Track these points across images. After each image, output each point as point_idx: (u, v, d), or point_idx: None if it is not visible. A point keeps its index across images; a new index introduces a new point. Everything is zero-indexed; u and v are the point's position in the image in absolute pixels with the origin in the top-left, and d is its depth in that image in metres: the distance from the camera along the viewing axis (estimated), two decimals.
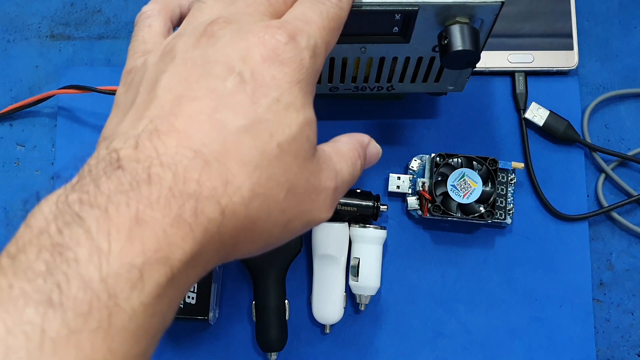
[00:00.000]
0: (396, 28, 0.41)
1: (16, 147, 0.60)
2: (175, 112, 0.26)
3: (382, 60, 0.45)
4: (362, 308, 0.56)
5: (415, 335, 0.57)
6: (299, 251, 0.55)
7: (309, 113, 0.28)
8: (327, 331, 0.56)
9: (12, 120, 0.60)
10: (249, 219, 0.26)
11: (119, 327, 0.21)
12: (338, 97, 0.58)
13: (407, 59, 0.45)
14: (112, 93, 0.56)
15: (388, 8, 0.38)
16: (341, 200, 0.54)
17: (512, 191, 0.56)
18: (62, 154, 0.59)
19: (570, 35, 0.59)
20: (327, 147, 0.32)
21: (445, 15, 0.39)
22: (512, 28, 0.59)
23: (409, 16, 0.39)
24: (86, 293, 0.21)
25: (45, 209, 0.23)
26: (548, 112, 0.58)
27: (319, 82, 0.48)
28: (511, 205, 0.56)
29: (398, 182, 0.57)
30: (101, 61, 0.61)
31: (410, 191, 0.57)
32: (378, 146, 0.35)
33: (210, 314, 0.53)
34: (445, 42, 0.39)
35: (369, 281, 0.54)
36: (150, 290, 0.22)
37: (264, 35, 0.28)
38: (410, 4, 0.38)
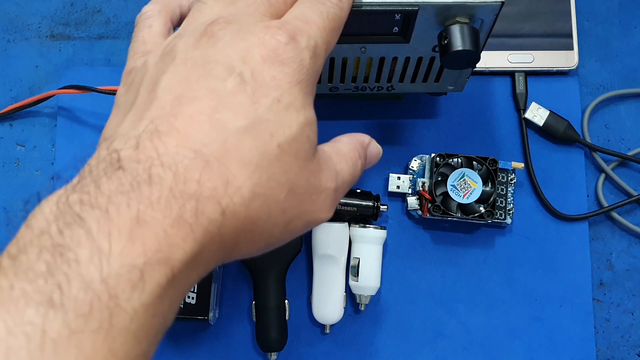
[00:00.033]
0: (396, 28, 0.41)
1: (16, 147, 0.60)
2: (176, 113, 0.26)
3: (382, 60, 0.45)
4: (362, 308, 0.56)
5: (415, 335, 0.57)
6: (299, 251, 0.55)
7: (310, 113, 0.28)
8: (327, 331, 0.56)
9: (12, 120, 0.60)
10: (249, 219, 0.26)
11: (120, 327, 0.21)
12: (338, 97, 0.58)
13: (407, 59, 0.46)
14: (112, 93, 0.56)
15: (388, 8, 0.38)
16: (341, 200, 0.54)
17: (512, 191, 0.56)
18: (62, 154, 0.59)
19: (570, 35, 0.59)
20: (327, 148, 0.32)
21: (445, 15, 0.39)
22: (512, 28, 0.59)
23: (409, 16, 0.39)
24: (87, 294, 0.21)
25: (46, 210, 0.23)
26: (548, 112, 0.58)
27: (319, 82, 0.48)
28: (511, 205, 0.56)
29: (398, 182, 0.57)
30: (101, 61, 0.61)
31: (410, 191, 0.57)
32: (378, 146, 0.35)
33: (210, 314, 0.53)
34: (445, 42, 0.39)
35: (369, 281, 0.54)
36: (151, 291, 0.22)
37: (264, 36, 0.28)
38: (410, 4, 0.38)
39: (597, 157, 0.58)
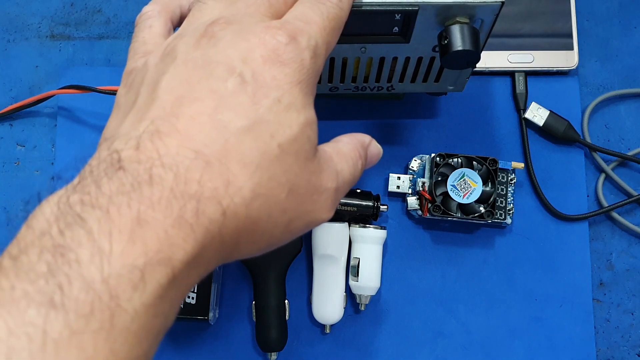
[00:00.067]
0: (396, 28, 0.41)
1: (16, 147, 0.60)
2: (177, 113, 0.26)
3: (382, 60, 0.45)
4: (362, 308, 0.56)
5: (415, 335, 0.57)
6: (299, 251, 0.55)
7: (310, 113, 0.28)
8: (327, 331, 0.56)
9: (12, 120, 0.60)
10: (250, 219, 0.26)
11: (121, 328, 0.21)
12: (338, 97, 0.58)
13: (407, 59, 0.46)
14: (112, 93, 0.56)
15: (388, 8, 0.38)
16: (341, 200, 0.54)
17: (512, 191, 0.56)
18: (62, 154, 0.59)
19: (570, 35, 0.59)
20: (328, 148, 0.32)
21: (445, 15, 0.39)
22: (512, 28, 0.59)
23: (409, 16, 0.40)
24: (88, 294, 0.21)
25: (47, 210, 0.23)
26: (548, 112, 0.58)
27: (319, 82, 0.48)
28: (511, 205, 0.56)
29: (398, 182, 0.57)
30: (101, 61, 0.61)
31: (410, 191, 0.57)
32: (379, 146, 0.35)
33: (210, 314, 0.53)
34: (445, 42, 0.39)
35: (369, 281, 0.54)
36: (151, 291, 0.22)
37: (264, 36, 0.28)
38: (410, 4, 0.38)
39: (597, 157, 0.58)
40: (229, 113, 0.26)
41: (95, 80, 0.59)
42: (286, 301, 0.55)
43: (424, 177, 0.57)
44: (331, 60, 0.46)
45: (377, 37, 0.42)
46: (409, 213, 0.58)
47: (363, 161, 0.33)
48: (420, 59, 0.45)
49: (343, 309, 0.55)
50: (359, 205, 0.55)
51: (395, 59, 0.45)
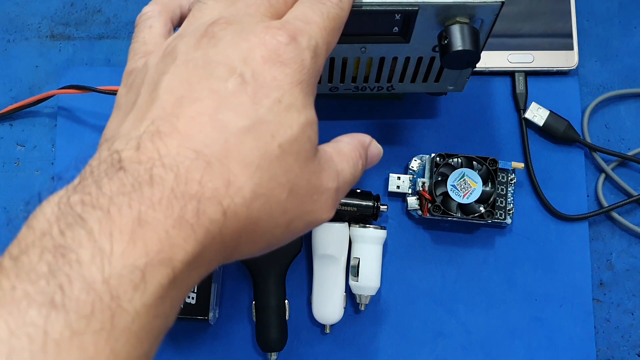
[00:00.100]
0: (396, 28, 0.41)
1: (16, 147, 0.60)
2: (177, 113, 0.26)
3: (382, 60, 0.45)
4: (362, 308, 0.56)
5: (415, 335, 0.57)
6: (299, 251, 0.55)
7: (310, 113, 0.28)
8: (327, 331, 0.56)
9: (12, 120, 0.60)
10: (250, 219, 0.26)
11: (121, 328, 0.21)
12: (338, 97, 0.58)
13: (407, 59, 0.46)
14: (112, 93, 0.56)
15: (388, 8, 0.38)
16: (341, 200, 0.54)
17: (512, 191, 0.56)
18: (62, 154, 0.59)
19: (570, 35, 0.59)
20: (328, 148, 0.32)
21: (445, 15, 0.39)
22: (512, 28, 0.59)
23: (409, 16, 0.40)
24: (89, 294, 0.21)
25: (47, 211, 0.23)
26: (548, 112, 0.58)
27: (319, 82, 0.48)
28: (511, 205, 0.56)
29: (398, 182, 0.57)
30: (101, 61, 0.61)
31: (410, 191, 0.57)
32: (379, 146, 0.35)
33: (210, 314, 0.53)
34: (445, 42, 0.39)
35: (369, 281, 0.54)
36: (152, 292, 0.22)
37: (264, 36, 0.28)
38: (410, 4, 0.38)
39: (597, 157, 0.58)
40: (230, 113, 0.26)
41: (95, 80, 0.59)
42: (286, 301, 0.55)
43: (424, 177, 0.57)
44: (331, 60, 0.46)
45: (377, 37, 0.42)
46: (409, 213, 0.58)
47: (363, 161, 0.33)
48: (420, 59, 0.45)
49: (343, 309, 0.55)
50: (359, 205, 0.55)
51: (395, 59, 0.45)
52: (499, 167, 0.55)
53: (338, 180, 0.31)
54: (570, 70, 0.59)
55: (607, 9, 0.61)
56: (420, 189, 0.56)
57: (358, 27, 0.41)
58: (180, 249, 0.23)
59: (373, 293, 0.55)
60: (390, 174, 0.57)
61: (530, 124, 0.58)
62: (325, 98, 0.56)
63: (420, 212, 0.56)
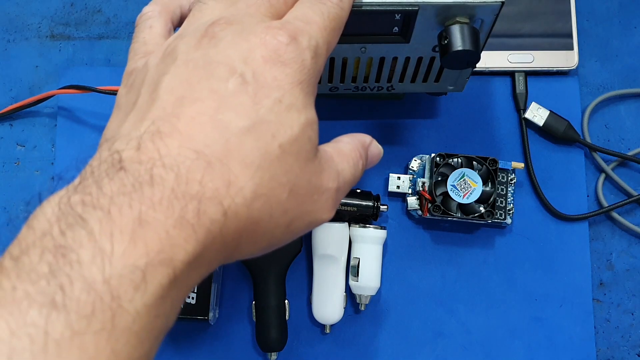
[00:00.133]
0: (396, 28, 0.41)
1: (16, 147, 0.60)
2: (177, 114, 0.26)
3: (382, 60, 0.45)
4: (362, 308, 0.56)
5: (415, 335, 0.57)
6: (299, 251, 0.55)
7: (311, 114, 0.28)
8: (327, 331, 0.56)
9: (12, 120, 0.60)
10: (251, 219, 0.26)
11: (122, 328, 0.21)
12: (338, 97, 0.58)
13: (407, 59, 0.46)
14: (112, 93, 0.56)
15: (388, 8, 0.39)
16: (341, 200, 0.54)
17: (512, 191, 0.56)
18: (62, 154, 0.59)
19: (570, 35, 0.59)
20: (328, 148, 0.32)
21: (445, 15, 0.39)
22: (512, 28, 0.59)
23: (409, 16, 0.40)
24: (89, 295, 0.21)
25: (48, 211, 0.23)
26: (548, 112, 0.58)
27: (319, 82, 0.48)
28: (511, 205, 0.56)
29: (398, 182, 0.57)
30: (101, 61, 0.61)
31: (410, 191, 0.57)
32: (379, 146, 0.35)
33: (210, 314, 0.53)
34: (445, 42, 0.39)
35: (369, 281, 0.54)
36: (153, 292, 0.22)
37: (265, 36, 0.28)
38: (410, 4, 0.38)
39: (597, 157, 0.58)
40: (230, 113, 0.26)
41: (95, 80, 0.59)
42: (286, 301, 0.55)
43: (424, 177, 0.57)
44: (331, 60, 0.46)
45: (377, 37, 0.42)
46: (409, 213, 0.58)
47: (364, 161, 0.33)
48: (420, 59, 0.45)
49: (343, 309, 0.55)
50: (359, 205, 0.55)
51: (395, 59, 0.45)
52: (499, 167, 0.55)
53: (338, 181, 0.31)
54: (570, 70, 0.59)
55: (607, 9, 0.61)
56: (420, 189, 0.56)
57: (358, 27, 0.41)
58: (180, 249, 0.23)
59: (373, 293, 0.55)
60: (390, 174, 0.57)
61: (530, 124, 0.58)
62: (325, 98, 0.56)
63: (420, 212, 0.56)
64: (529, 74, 0.59)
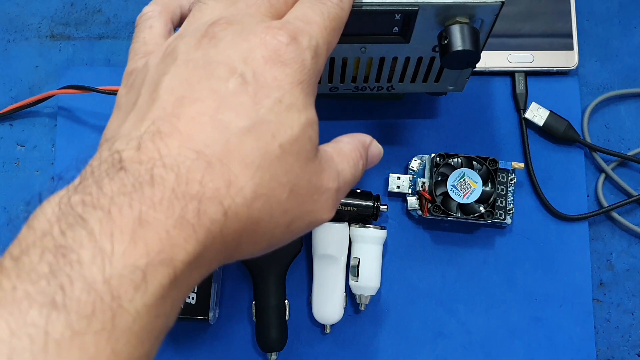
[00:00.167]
0: (396, 28, 0.41)
1: (16, 147, 0.60)
2: (178, 114, 0.26)
3: (382, 60, 0.45)
4: (362, 308, 0.56)
5: (415, 335, 0.57)
6: (299, 251, 0.55)
7: (311, 114, 0.28)
8: (327, 331, 0.56)
9: (12, 120, 0.60)
10: (251, 219, 0.26)
11: (122, 328, 0.21)
12: (338, 97, 0.58)
13: (407, 59, 0.46)
14: (112, 93, 0.56)
15: (388, 8, 0.39)
16: (341, 200, 0.54)
17: (512, 191, 0.56)
18: (62, 154, 0.59)
19: (570, 35, 0.59)
20: (328, 148, 0.32)
21: (445, 15, 0.39)
22: (512, 28, 0.59)
23: (409, 16, 0.40)
24: (89, 295, 0.21)
25: (48, 211, 0.23)
26: (548, 112, 0.58)
27: (319, 82, 0.48)
28: (511, 205, 0.56)
29: (398, 182, 0.57)
30: (101, 61, 0.61)
31: (410, 191, 0.57)
32: (379, 146, 0.35)
33: (210, 314, 0.53)
34: (445, 42, 0.39)
35: (369, 281, 0.54)
36: (153, 292, 0.22)
37: (265, 36, 0.28)
38: (410, 4, 0.38)
39: (597, 157, 0.58)
40: (230, 113, 0.26)
41: (95, 80, 0.59)
42: (286, 301, 0.55)
43: (424, 177, 0.57)
44: (331, 60, 0.46)
45: (377, 37, 0.42)
46: (409, 213, 0.58)
47: (364, 161, 0.33)
48: (420, 59, 0.45)
49: (343, 309, 0.55)
50: (359, 205, 0.55)
51: (395, 59, 0.45)
52: (499, 167, 0.55)
53: (338, 181, 0.31)
54: (570, 70, 0.59)
55: (607, 9, 0.61)
56: (420, 189, 0.56)
57: (358, 27, 0.41)
58: (181, 249, 0.23)
59: (373, 293, 0.55)
60: (390, 174, 0.57)
61: (530, 124, 0.58)
62: (325, 98, 0.56)
63: (420, 212, 0.56)
64: (529, 74, 0.59)
